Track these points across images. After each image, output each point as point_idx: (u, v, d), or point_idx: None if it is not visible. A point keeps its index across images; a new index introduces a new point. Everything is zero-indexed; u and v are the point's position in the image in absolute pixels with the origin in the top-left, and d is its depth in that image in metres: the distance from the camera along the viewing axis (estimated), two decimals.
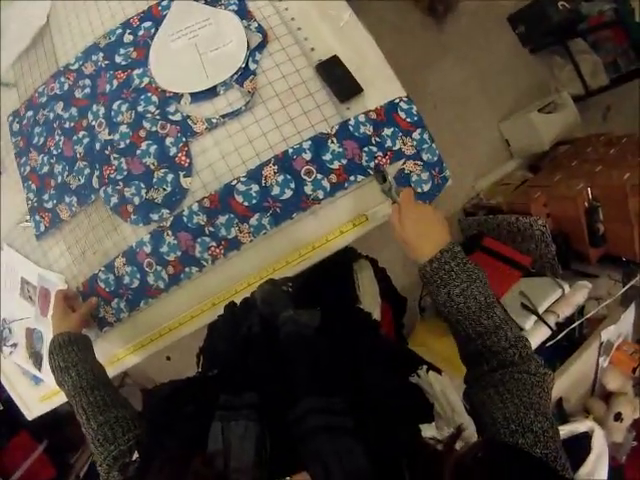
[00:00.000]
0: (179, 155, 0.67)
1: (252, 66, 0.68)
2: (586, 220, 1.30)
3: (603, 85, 1.71)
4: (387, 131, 0.66)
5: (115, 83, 0.71)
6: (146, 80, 0.70)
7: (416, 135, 0.67)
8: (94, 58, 0.74)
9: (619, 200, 1.24)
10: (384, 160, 0.66)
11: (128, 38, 0.73)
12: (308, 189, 0.65)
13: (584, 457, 0.93)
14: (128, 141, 0.69)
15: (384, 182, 0.65)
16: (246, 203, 0.65)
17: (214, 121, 0.67)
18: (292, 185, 0.65)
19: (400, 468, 0.28)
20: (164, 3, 0.73)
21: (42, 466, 1.33)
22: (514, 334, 0.46)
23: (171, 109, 0.69)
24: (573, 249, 1.37)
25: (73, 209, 0.73)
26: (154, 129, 0.68)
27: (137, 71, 0.71)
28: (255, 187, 0.65)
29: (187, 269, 0.66)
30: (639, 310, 1.15)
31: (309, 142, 0.65)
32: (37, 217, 0.76)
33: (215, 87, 0.68)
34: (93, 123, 0.71)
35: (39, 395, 0.82)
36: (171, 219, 0.67)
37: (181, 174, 0.67)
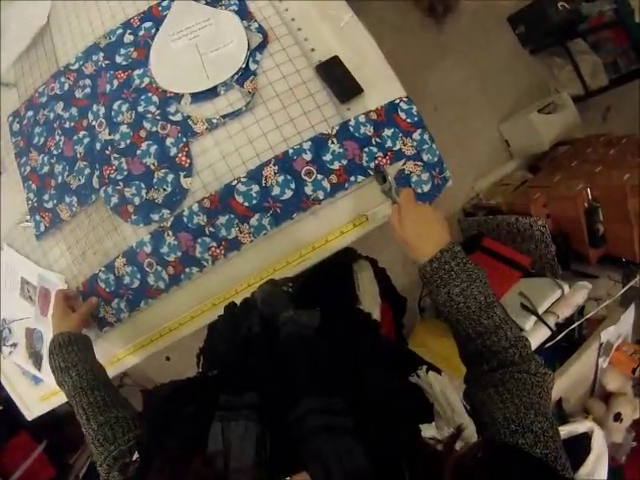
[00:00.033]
0: (179, 155, 0.67)
1: (252, 66, 0.68)
2: (586, 221, 1.30)
3: (603, 86, 1.71)
4: (387, 132, 0.67)
5: (115, 83, 0.71)
6: (146, 80, 0.70)
7: (416, 136, 0.67)
8: (94, 58, 0.74)
9: (619, 201, 1.24)
10: (384, 161, 0.66)
11: (128, 38, 0.73)
12: (308, 189, 0.65)
13: (584, 457, 0.93)
14: (128, 141, 0.69)
15: (384, 182, 0.65)
16: (246, 203, 0.65)
17: (214, 121, 0.67)
18: (292, 185, 0.65)
19: (400, 468, 0.28)
20: (164, 3, 0.73)
21: (41, 466, 1.33)
22: (514, 334, 0.46)
23: (171, 109, 0.69)
24: (573, 250, 1.37)
25: (73, 209, 0.73)
26: (154, 129, 0.68)
27: (137, 71, 0.71)
28: (255, 187, 0.65)
29: (187, 269, 0.66)
30: (639, 311, 1.15)
31: (309, 142, 0.65)
32: (37, 217, 0.76)
33: (215, 87, 0.68)
34: (93, 123, 0.72)
35: (39, 395, 0.82)
36: (171, 219, 0.67)
37: (181, 174, 0.67)
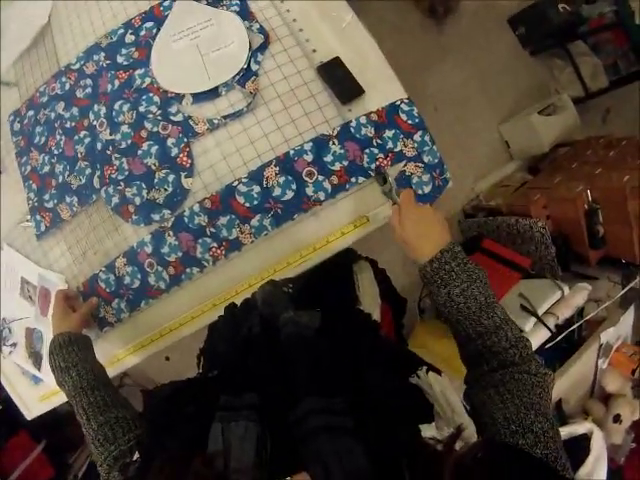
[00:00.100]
0: (180, 156, 0.67)
1: (254, 67, 0.68)
2: (586, 222, 1.30)
3: (603, 87, 1.71)
4: (388, 133, 0.67)
5: (117, 83, 0.71)
6: (148, 80, 0.70)
7: (417, 137, 0.67)
8: (95, 58, 0.74)
9: (619, 202, 1.24)
10: (385, 162, 0.66)
11: (130, 38, 0.73)
12: (309, 190, 0.65)
13: (583, 458, 0.93)
14: (129, 141, 0.69)
15: (385, 184, 0.65)
16: (247, 204, 0.65)
17: (216, 122, 0.67)
18: (293, 186, 0.65)
19: (400, 468, 0.28)
20: (166, 3, 0.73)
21: (41, 466, 1.33)
22: (514, 334, 0.46)
23: (173, 109, 0.69)
24: (573, 251, 1.37)
25: (74, 209, 0.73)
26: (155, 129, 0.68)
27: (139, 71, 0.71)
28: (256, 188, 0.65)
29: (188, 270, 0.67)
30: (638, 312, 1.16)
31: (310, 143, 0.66)
32: (38, 217, 0.76)
33: (217, 88, 0.68)
34: (94, 123, 0.72)
35: (38, 395, 0.82)
36: (172, 220, 0.67)
37: (182, 175, 0.67)
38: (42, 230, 0.76)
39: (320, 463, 0.28)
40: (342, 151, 0.65)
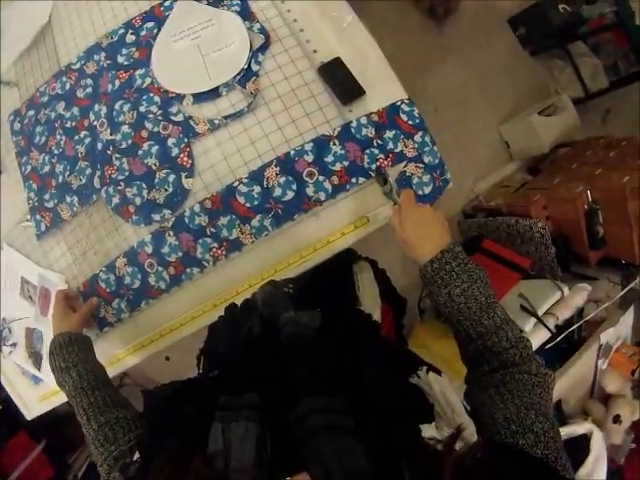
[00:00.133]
0: (181, 156, 0.67)
1: (254, 67, 0.68)
2: (586, 223, 1.30)
3: (603, 88, 1.72)
4: (389, 133, 0.67)
5: (117, 83, 0.71)
6: (148, 80, 0.70)
7: (418, 138, 0.67)
8: (96, 58, 0.74)
9: (619, 203, 1.24)
10: (386, 162, 0.66)
11: (130, 38, 0.73)
12: (310, 191, 0.65)
13: (583, 459, 0.93)
14: (130, 141, 0.69)
15: (385, 184, 0.65)
16: (248, 204, 0.65)
17: (216, 122, 0.67)
18: (294, 187, 0.65)
19: (400, 468, 0.28)
20: (167, 3, 0.73)
21: (40, 466, 1.33)
22: (515, 334, 0.46)
23: (173, 110, 0.69)
24: (572, 251, 1.37)
25: (74, 209, 0.73)
26: (156, 129, 0.68)
27: (139, 71, 0.71)
28: (257, 188, 0.65)
29: (188, 270, 0.67)
30: (638, 313, 1.16)
31: (311, 144, 0.66)
32: (38, 217, 0.76)
33: (217, 88, 0.68)
34: (95, 123, 0.72)
35: (38, 395, 0.82)
36: (173, 220, 0.67)
37: (183, 175, 0.67)
38: (42, 230, 0.76)
39: (320, 463, 0.28)
40: (343, 151, 0.66)
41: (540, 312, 1.13)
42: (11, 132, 0.82)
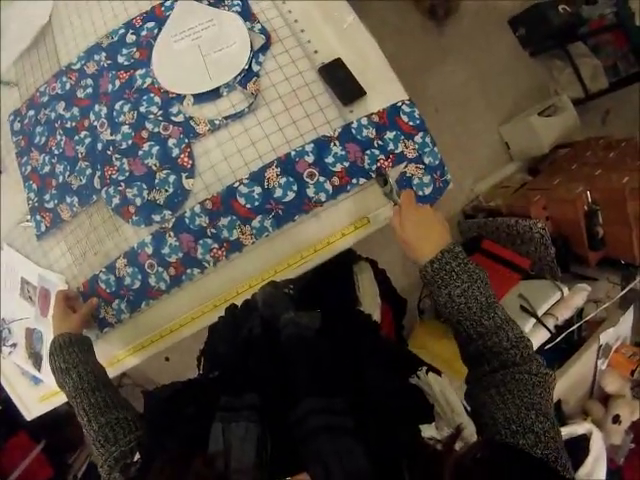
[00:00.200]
0: (181, 156, 0.67)
1: (255, 68, 0.68)
2: (585, 223, 1.31)
3: (603, 88, 1.72)
4: (389, 134, 0.67)
5: (117, 83, 0.71)
6: (149, 81, 0.70)
7: (418, 138, 0.67)
8: (96, 58, 0.74)
9: (618, 203, 1.25)
10: (386, 163, 0.66)
11: (131, 38, 0.73)
12: (310, 191, 0.65)
13: (582, 459, 0.93)
14: (130, 142, 0.69)
15: (386, 185, 0.65)
16: (248, 205, 0.65)
17: (217, 123, 0.67)
18: (294, 187, 0.65)
19: (400, 468, 0.28)
20: (167, 4, 0.73)
21: (40, 466, 1.33)
22: (515, 334, 0.46)
23: (174, 110, 0.69)
24: (572, 252, 1.37)
25: (74, 209, 0.73)
26: (156, 130, 0.68)
27: (140, 71, 0.71)
28: (257, 189, 0.65)
29: (189, 270, 0.67)
30: (638, 313, 1.16)
31: (312, 145, 0.66)
32: (38, 217, 0.76)
33: (218, 88, 0.68)
34: (95, 123, 0.72)
35: (38, 395, 0.82)
36: (173, 220, 0.67)
37: (183, 175, 0.67)
38: (42, 230, 0.76)
39: (320, 463, 0.28)
40: (343, 152, 0.66)
41: (540, 312, 1.13)
42: (11, 132, 0.81)
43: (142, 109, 0.69)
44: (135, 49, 0.73)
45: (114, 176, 0.69)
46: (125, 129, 0.69)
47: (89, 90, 0.73)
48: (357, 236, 0.67)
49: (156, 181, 0.67)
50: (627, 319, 1.13)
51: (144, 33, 0.73)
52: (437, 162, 0.67)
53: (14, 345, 0.82)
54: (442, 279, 0.48)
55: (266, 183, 0.65)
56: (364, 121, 0.67)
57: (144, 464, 0.36)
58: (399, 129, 0.67)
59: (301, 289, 0.61)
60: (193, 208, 0.66)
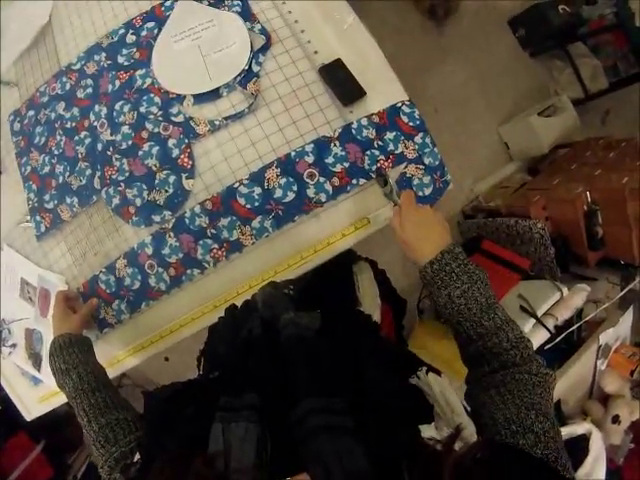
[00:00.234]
0: (181, 157, 0.67)
1: (255, 68, 0.68)
2: (585, 223, 1.31)
3: (603, 89, 1.72)
4: (389, 135, 0.67)
5: (117, 83, 0.71)
6: (149, 81, 0.70)
7: (418, 139, 0.67)
8: (96, 58, 0.74)
9: (618, 203, 1.25)
10: (386, 163, 0.66)
11: (131, 38, 0.73)
12: (310, 192, 0.65)
13: (582, 459, 0.93)
14: (130, 142, 0.69)
15: (386, 185, 0.65)
16: (248, 205, 0.65)
17: (217, 123, 0.67)
18: (294, 188, 0.65)
19: (400, 469, 0.28)
20: (167, 4, 0.73)
21: (40, 466, 1.33)
22: (515, 335, 0.46)
23: (174, 110, 0.69)
24: (572, 252, 1.37)
25: (74, 210, 0.73)
26: (156, 130, 0.68)
27: (140, 72, 0.71)
28: (257, 190, 0.65)
29: (189, 271, 0.67)
30: (637, 313, 1.16)
31: (312, 145, 0.66)
32: (38, 217, 0.76)
33: (218, 89, 0.68)
34: (95, 123, 0.72)
35: (38, 396, 0.82)
36: (173, 221, 0.67)
37: (183, 176, 0.67)
38: (42, 231, 0.76)
39: (320, 463, 0.28)
40: (343, 153, 0.66)
41: (539, 313, 1.13)
42: (11, 132, 0.81)
43: (142, 109, 0.69)
44: (135, 49, 0.73)
45: (114, 176, 0.69)
46: (125, 129, 0.69)
47: (89, 90, 0.73)
48: (357, 237, 0.67)
49: (156, 181, 0.67)
50: (626, 319, 1.14)
51: (144, 33, 0.73)
52: (437, 163, 0.67)
53: (14, 345, 0.82)
54: (442, 280, 0.48)
55: (266, 183, 0.65)
56: (364, 121, 0.67)
57: (144, 464, 0.36)
58: (399, 129, 0.67)
59: (301, 289, 0.61)
60: (193, 209, 0.66)
